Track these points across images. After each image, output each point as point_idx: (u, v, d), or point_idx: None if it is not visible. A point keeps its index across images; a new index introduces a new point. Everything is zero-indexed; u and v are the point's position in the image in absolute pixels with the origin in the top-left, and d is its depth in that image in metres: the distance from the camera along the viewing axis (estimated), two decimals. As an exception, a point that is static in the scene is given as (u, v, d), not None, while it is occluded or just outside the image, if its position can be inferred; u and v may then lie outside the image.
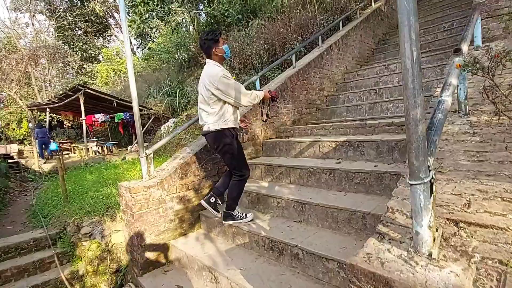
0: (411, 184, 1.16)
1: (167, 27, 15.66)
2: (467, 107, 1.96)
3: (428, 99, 4.29)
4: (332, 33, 6.81)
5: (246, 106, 3.86)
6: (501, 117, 1.54)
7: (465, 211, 1.33)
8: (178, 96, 11.05)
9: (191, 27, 13.96)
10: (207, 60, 2.99)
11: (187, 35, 13.27)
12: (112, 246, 4.24)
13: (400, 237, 1.34)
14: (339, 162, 3.39)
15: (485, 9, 3.95)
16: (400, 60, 1.13)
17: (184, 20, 14.18)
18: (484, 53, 2.65)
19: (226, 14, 10.52)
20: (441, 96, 1.52)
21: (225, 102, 2.87)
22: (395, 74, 5.40)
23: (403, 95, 1.14)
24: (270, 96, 3.13)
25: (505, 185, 1.38)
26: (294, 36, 6.72)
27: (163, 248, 3.39)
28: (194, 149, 3.79)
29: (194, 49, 12.44)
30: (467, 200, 1.38)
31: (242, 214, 3.18)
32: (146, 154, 3.37)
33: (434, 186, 1.18)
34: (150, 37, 19.58)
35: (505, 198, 1.32)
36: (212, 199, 3.16)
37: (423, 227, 1.15)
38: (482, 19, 4.10)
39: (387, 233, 1.38)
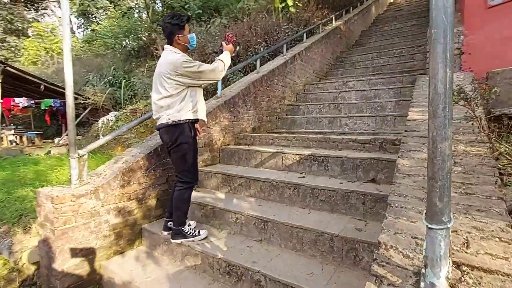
0: (430, 228, 0.96)
1: (116, 10, 14.18)
2: (444, 134, 1.95)
3: (384, 118, 4.49)
4: (295, 43, 6.83)
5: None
6: (494, 150, 1.51)
7: (466, 252, 1.21)
8: (123, 87, 9.94)
9: (144, 15, 12.85)
10: (166, 46, 2.60)
11: (139, 22, 12.15)
12: (23, 266, 3.38)
13: (401, 282, 1.15)
14: (303, 177, 3.23)
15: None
16: (429, 82, 0.94)
17: (137, 6, 12.99)
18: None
19: (186, 6, 9.89)
20: (438, 122, 1.44)
21: (188, 90, 2.54)
22: (353, 91, 5.58)
23: (428, 125, 0.94)
24: (233, 48, 2.85)
25: (500, 224, 1.30)
26: (259, 40, 6.54)
27: (92, 271, 2.77)
28: (142, 151, 3.24)
29: (145, 39, 11.43)
30: (464, 239, 1.27)
31: (195, 231, 2.79)
32: (78, 154, 2.73)
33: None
34: (95, 18, 17.54)
35: (503, 239, 1.23)
36: (170, 224, 2.80)
37: (441, 278, 0.96)
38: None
39: (385, 276, 1.18)
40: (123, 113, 7.89)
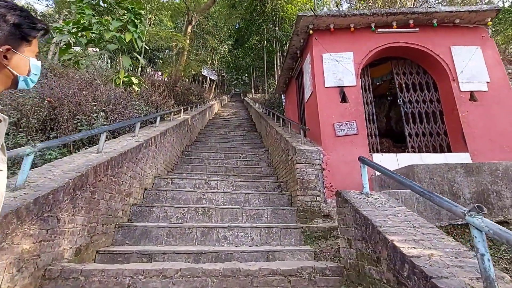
0: None
1: None
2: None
3: (269, 231, 3.79)
4: (145, 125, 5.45)
5: None
6: None
7: None
8: None
9: None
10: None
11: None
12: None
13: None
14: None
15: (303, 159, 4.59)
16: None
17: None
18: (377, 201, 2.56)
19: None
20: None
21: None
22: (220, 193, 4.71)
23: None
24: None
25: None
26: (96, 108, 4.60)
27: None
28: None
29: None
30: None
31: None
32: None
33: None
34: None
35: None
36: None
37: None
38: (298, 163, 4.67)
39: None
40: None
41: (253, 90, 27.19)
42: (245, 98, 22.47)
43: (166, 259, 3.13)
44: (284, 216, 4.30)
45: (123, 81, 7.16)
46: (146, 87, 7.77)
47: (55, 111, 4.22)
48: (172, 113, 6.97)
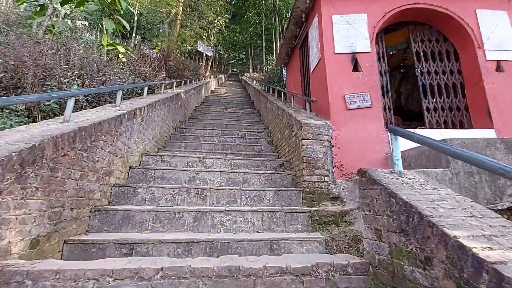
0: None
1: None
2: None
3: (272, 215, 3.28)
4: (131, 96, 4.79)
5: None
6: None
7: None
8: None
9: None
10: None
11: None
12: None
13: None
14: None
15: (310, 134, 4.00)
16: None
17: None
18: (414, 181, 2.02)
19: None
20: None
21: None
22: (216, 172, 4.16)
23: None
24: None
25: None
26: (70, 74, 3.92)
27: None
28: None
29: None
30: None
31: None
32: None
33: None
34: None
35: None
36: None
37: None
38: (305, 139, 4.10)
39: None
40: None
41: (251, 70, 26.13)
42: (243, 78, 21.54)
43: (150, 249, 2.62)
44: (288, 198, 3.79)
45: (107, 49, 6.41)
46: (135, 57, 7.01)
47: (17, 75, 3.53)
48: (163, 86, 6.28)
